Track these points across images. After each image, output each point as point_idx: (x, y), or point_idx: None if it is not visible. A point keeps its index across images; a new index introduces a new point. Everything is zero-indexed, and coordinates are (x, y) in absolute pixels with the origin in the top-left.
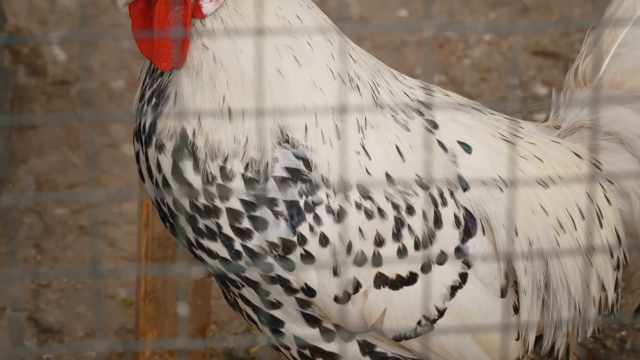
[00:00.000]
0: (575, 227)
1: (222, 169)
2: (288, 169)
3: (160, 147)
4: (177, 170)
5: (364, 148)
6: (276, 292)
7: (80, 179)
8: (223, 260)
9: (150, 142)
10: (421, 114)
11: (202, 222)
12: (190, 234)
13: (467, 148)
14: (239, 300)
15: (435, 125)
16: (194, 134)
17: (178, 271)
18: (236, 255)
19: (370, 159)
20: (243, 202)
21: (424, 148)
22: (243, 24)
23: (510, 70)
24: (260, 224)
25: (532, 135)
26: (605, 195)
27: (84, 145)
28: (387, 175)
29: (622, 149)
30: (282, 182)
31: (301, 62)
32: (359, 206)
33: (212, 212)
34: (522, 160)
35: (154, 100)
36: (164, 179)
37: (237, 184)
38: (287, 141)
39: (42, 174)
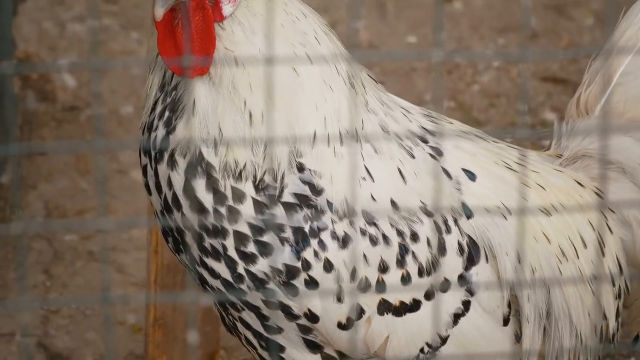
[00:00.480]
0: (578, 256)
1: (234, 190)
2: (296, 195)
3: (172, 164)
4: (189, 188)
5: (369, 174)
6: (277, 318)
7: (89, 205)
8: (225, 281)
9: (162, 158)
10: (425, 141)
11: (208, 241)
12: (195, 251)
13: (471, 175)
14: (239, 324)
15: (439, 153)
16: (209, 151)
17: (187, 299)
18: (238, 278)
19: (376, 185)
20: (251, 226)
21: (428, 175)
22: (257, 23)
23: (519, 96)
24: (265, 249)
25: (535, 164)
26: (607, 224)
27: (93, 171)
28: (392, 202)
29: (624, 177)
30: (289, 207)
31: (314, 60)
32: (363, 232)
33: (219, 232)
34: (525, 188)
35: (167, 114)
36: (174, 195)
37: (247, 207)
38: (296, 166)
39: (52, 199)
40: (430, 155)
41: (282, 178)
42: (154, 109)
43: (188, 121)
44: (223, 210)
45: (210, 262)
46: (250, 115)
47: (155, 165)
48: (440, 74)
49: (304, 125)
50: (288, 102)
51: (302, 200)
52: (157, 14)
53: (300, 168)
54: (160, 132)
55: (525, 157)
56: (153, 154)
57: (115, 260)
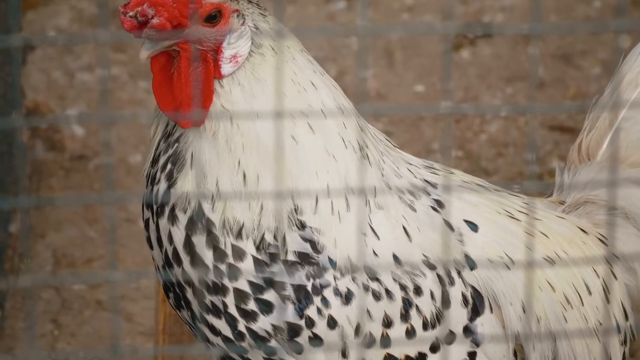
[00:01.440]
0: (582, 303)
1: (234, 248)
2: (297, 253)
3: (173, 219)
4: (189, 244)
5: (372, 229)
6: None
7: (98, 254)
8: (226, 338)
9: (163, 213)
10: (427, 193)
11: (208, 298)
12: (195, 307)
13: (473, 227)
14: None
15: (441, 205)
16: (210, 207)
17: (195, 352)
18: (239, 336)
19: (378, 240)
20: (251, 283)
21: (430, 228)
22: (260, 88)
23: (527, 145)
24: (266, 307)
25: (537, 211)
26: (612, 270)
27: (102, 220)
28: (395, 257)
29: (628, 223)
30: (291, 265)
31: (315, 130)
32: (366, 288)
33: (219, 289)
34: (528, 236)
35: (168, 166)
36: (175, 250)
37: (247, 265)
38: (296, 224)
39: (60, 248)
40: (432, 207)
41: (284, 238)
42: (157, 160)
43: (187, 175)
44: (223, 267)
45: (210, 319)
46: (244, 175)
47: (157, 219)
48: (448, 124)
49: (303, 187)
50: (286, 167)
51: (303, 258)
52: (141, 55)
53: (301, 225)
54: (162, 185)
55: (527, 205)
56: (155, 207)
57: (123, 309)
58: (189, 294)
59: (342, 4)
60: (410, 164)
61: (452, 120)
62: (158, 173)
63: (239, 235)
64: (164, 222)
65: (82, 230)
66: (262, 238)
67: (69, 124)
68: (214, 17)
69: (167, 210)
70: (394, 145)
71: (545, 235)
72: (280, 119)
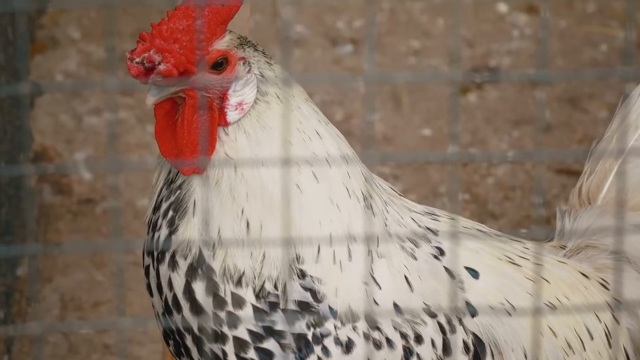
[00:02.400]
0: (584, 348)
1: (234, 296)
2: (297, 302)
3: (173, 265)
4: (189, 291)
5: (373, 279)
6: None
7: (105, 297)
8: None
9: (164, 259)
10: (428, 240)
11: (208, 346)
12: (195, 355)
13: (474, 273)
14: None
15: (441, 252)
16: (210, 254)
17: None
18: None
19: (380, 289)
20: (250, 332)
21: (431, 276)
22: (265, 136)
23: (534, 188)
24: (266, 357)
25: (538, 256)
26: (613, 315)
27: (109, 264)
28: (395, 305)
29: (630, 267)
30: (291, 315)
31: (320, 179)
32: (367, 337)
33: (219, 337)
34: (529, 282)
35: (170, 213)
36: (175, 297)
37: (247, 313)
38: (297, 273)
39: (67, 292)
40: (434, 255)
41: (284, 287)
42: (159, 207)
43: (189, 222)
44: (223, 315)
45: None
46: (248, 224)
47: (157, 265)
48: (455, 168)
49: (305, 236)
50: (289, 216)
51: (304, 307)
52: (147, 102)
53: (302, 274)
54: (164, 232)
55: (528, 249)
56: (155, 254)
57: (131, 353)
58: (189, 341)
59: (349, 48)
60: (413, 212)
61: (459, 163)
62: (160, 220)
63: (239, 283)
64: (164, 268)
65: (89, 274)
66: (262, 287)
67: (77, 171)
68: (220, 65)
69: (167, 256)
70: (399, 194)
71: (547, 281)
72: (285, 167)
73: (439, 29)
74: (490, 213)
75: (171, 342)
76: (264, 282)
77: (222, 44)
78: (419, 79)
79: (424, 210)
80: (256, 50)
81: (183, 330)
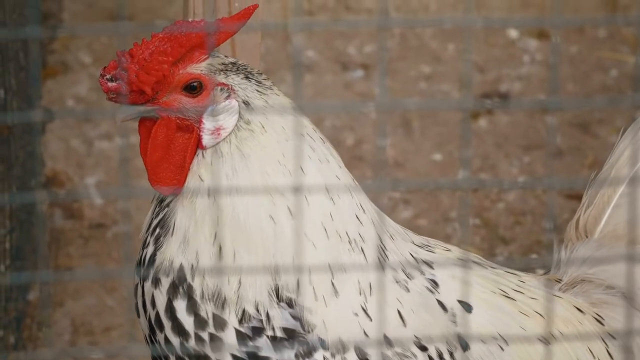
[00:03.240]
0: None
1: (215, 317)
2: (284, 329)
3: (156, 282)
4: (170, 309)
5: (365, 310)
6: None
7: (116, 322)
8: None
9: (148, 276)
10: (422, 272)
11: None
12: None
13: (467, 307)
14: None
15: (435, 284)
16: (191, 273)
17: None
18: None
19: (370, 321)
20: (234, 357)
21: (423, 309)
22: (242, 164)
23: (544, 213)
24: None
25: (533, 290)
26: (608, 351)
27: (120, 289)
28: (385, 337)
29: (625, 303)
30: (277, 341)
31: (294, 214)
32: None
33: (202, 359)
34: (523, 316)
35: (157, 231)
36: (157, 315)
37: (230, 337)
38: (284, 300)
39: (78, 317)
40: (427, 288)
41: (267, 313)
42: (150, 225)
43: (170, 240)
44: (205, 336)
45: None
46: (220, 249)
47: (143, 283)
48: (467, 195)
49: (289, 265)
50: (263, 246)
51: (291, 335)
52: (116, 118)
53: (290, 303)
54: (150, 249)
55: (523, 282)
56: (142, 270)
57: None
58: None
59: (360, 73)
60: (409, 243)
61: (470, 188)
62: (148, 237)
63: (219, 304)
64: (148, 285)
65: (100, 299)
66: (244, 311)
67: (88, 196)
68: (194, 88)
69: (151, 273)
70: (408, 234)
71: (541, 315)
72: (257, 197)
73: (449, 54)
74: (501, 238)
75: None
76: (244, 307)
77: (196, 67)
78: (430, 106)
79: (421, 241)
80: (248, 78)
81: (167, 351)
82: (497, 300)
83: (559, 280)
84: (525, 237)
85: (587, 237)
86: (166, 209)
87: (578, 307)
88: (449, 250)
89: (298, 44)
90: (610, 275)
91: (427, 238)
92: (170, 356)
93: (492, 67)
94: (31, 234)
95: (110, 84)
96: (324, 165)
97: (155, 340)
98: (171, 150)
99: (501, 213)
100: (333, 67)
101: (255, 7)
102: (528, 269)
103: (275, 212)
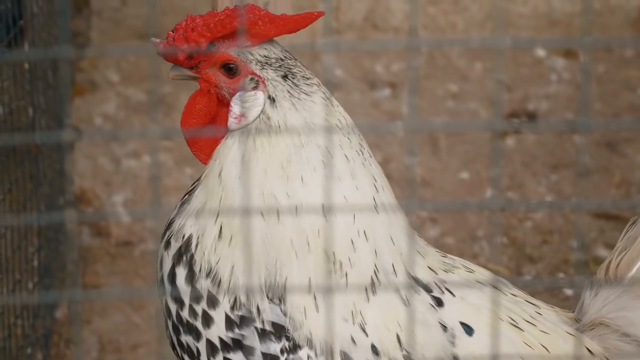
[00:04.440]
0: None
1: (210, 295)
2: (273, 324)
3: (167, 245)
4: (172, 274)
5: (354, 318)
6: None
7: (143, 339)
8: None
9: (163, 238)
10: (430, 290)
11: (184, 337)
12: (176, 343)
13: (468, 329)
14: None
15: (440, 303)
16: (195, 245)
17: None
18: None
19: (363, 330)
20: (221, 340)
21: (420, 325)
22: (250, 156)
23: (572, 232)
24: None
25: (547, 324)
26: None
27: (147, 306)
28: (373, 347)
29: (639, 352)
30: (265, 334)
31: (281, 218)
32: None
33: (193, 331)
34: (526, 347)
35: (185, 197)
36: (162, 278)
37: (220, 319)
38: (276, 297)
39: (106, 334)
40: (430, 305)
41: (258, 306)
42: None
43: (186, 208)
44: (198, 310)
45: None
46: (220, 230)
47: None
48: (494, 211)
49: (282, 272)
50: (259, 240)
51: (279, 330)
52: (169, 73)
53: (283, 300)
54: (175, 212)
55: (540, 315)
56: (163, 231)
57: None
58: (170, 326)
59: (387, 91)
60: (423, 259)
61: (498, 209)
62: (179, 202)
63: (215, 283)
64: (161, 246)
65: (127, 316)
66: (236, 298)
67: (116, 216)
68: (230, 70)
69: (166, 236)
70: (428, 250)
71: (546, 349)
72: (249, 195)
73: (476, 72)
74: (529, 257)
75: (168, 333)
76: (237, 294)
77: (236, 51)
78: (458, 127)
79: (442, 260)
80: (286, 77)
81: (166, 315)
82: (502, 327)
83: (578, 320)
84: (552, 256)
85: (615, 281)
86: (199, 181)
87: (590, 348)
88: (472, 271)
89: (326, 63)
90: (628, 322)
91: (454, 257)
92: (168, 319)
93: (520, 85)
94: (59, 251)
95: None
96: (331, 182)
97: (161, 301)
98: (197, 114)
99: (528, 232)
100: (361, 85)
101: (321, 14)
102: (555, 288)
103: (266, 211)
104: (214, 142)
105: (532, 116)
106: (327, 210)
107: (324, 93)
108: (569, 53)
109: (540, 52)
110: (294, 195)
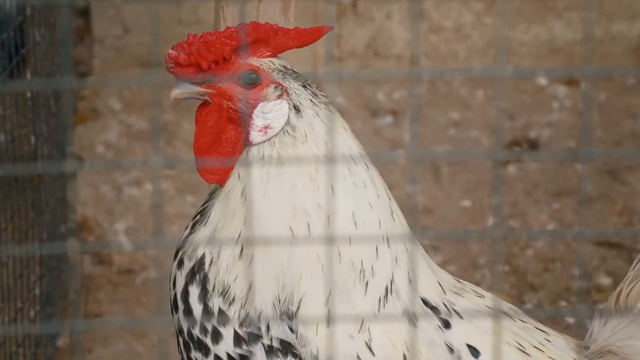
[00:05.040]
0: None
1: (220, 312)
2: (280, 341)
3: (180, 264)
4: (185, 292)
5: (360, 335)
6: None
7: None
8: None
9: (176, 257)
10: (438, 312)
11: (193, 354)
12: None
13: (474, 352)
14: None
15: (447, 325)
16: (209, 264)
17: None
18: None
19: (368, 347)
20: (228, 356)
21: (425, 345)
22: (277, 170)
23: (574, 260)
24: None
25: (555, 350)
26: None
27: (149, 335)
28: None
29: None
30: (272, 351)
31: (312, 231)
32: None
33: (202, 348)
34: None
35: (198, 217)
36: (175, 296)
37: (228, 335)
38: (285, 312)
39: None
40: (438, 326)
41: (268, 323)
42: (198, 210)
43: (203, 228)
44: (209, 327)
45: None
46: (241, 250)
47: (173, 262)
48: (497, 241)
49: (297, 279)
50: (278, 256)
51: (286, 347)
52: (171, 94)
53: (290, 316)
54: (187, 232)
55: (548, 342)
56: (176, 250)
57: None
58: (181, 343)
59: (389, 119)
60: (432, 282)
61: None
62: (190, 221)
63: (227, 301)
64: (174, 265)
65: (129, 345)
66: (247, 315)
67: (119, 246)
68: (250, 80)
69: (179, 255)
70: (439, 274)
71: None
72: (282, 207)
73: (478, 100)
74: (530, 285)
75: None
76: (248, 312)
77: (257, 61)
78: (460, 156)
79: (453, 283)
80: (305, 86)
81: (178, 332)
82: (509, 351)
83: (587, 348)
84: (554, 284)
85: (626, 310)
86: (211, 200)
87: None
88: (481, 296)
89: (328, 91)
90: (636, 351)
91: (465, 282)
92: (180, 337)
93: (522, 113)
94: (61, 280)
95: (170, 51)
96: (359, 190)
97: (174, 320)
98: (221, 140)
99: (530, 260)
100: (362, 113)
101: (330, 28)
102: (557, 316)
103: (295, 225)
104: (222, 163)
105: (533, 144)
106: (357, 217)
107: (328, 100)
108: (570, 81)
109: (542, 80)
110: (326, 205)
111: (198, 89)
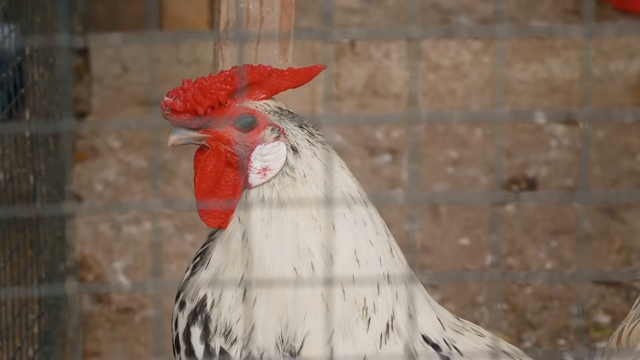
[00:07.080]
0: None
1: (222, 352)
2: None
3: (182, 305)
4: (187, 333)
5: None
6: None
7: None
8: None
9: (178, 298)
10: (438, 348)
11: None
12: None
13: None
14: None
15: None
16: (211, 305)
17: None
18: None
19: None
20: None
21: None
22: (278, 212)
23: (572, 298)
24: None
25: None
26: None
27: None
28: None
29: None
30: None
31: (316, 270)
32: None
33: None
34: None
35: (197, 259)
36: (177, 337)
37: None
38: (287, 350)
39: None
40: None
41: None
42: (197, 252)
43: (204, 270)
44: None
45: None
46: (244, 292)
47: (175, 304)
48: (499, 287)
49: (305, 327)
50: (282, 297)
51: None
52: (169, 140)
53: (293, 353)
54: (187, 274)
55: None
56: (177, 292)
57: None
58: None
59: (387, 158)
60: (432, 319)
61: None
62: (190, 263)
63: (228, 340)
64: (176, 307)
65: None
66: (249, 354)
67: (119, 288)
68: (246, 124)
69: (181, 296)
70: (440, 312)
71: None
72: (285, 247)
73: (476, 139)
74: (529, 323)
75: None
76: (251, 350)
77: (253, 104)
78: (459, 198)
79: (453, 321)
80: (301, 127)
81: None
82: None
83: None
84: (553, 322)
85: (627, 349)
86: (211, 242)
87: None
88: (481, 335)
89: (326, 130)
90: None
91: (465, 320)
92: None
93: (519, 152)
94: (60, 318)
95: (166, 98)
96: (359, 227)
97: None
98: (221, 185)
99: (528, 298)
100: (361, 152)
101: (323, 67)
102: (556, 357)
103: (299, 266)
104: (223, 206)
105: (532, 182)
106: (359, 255)
107: (324, 139)
108: (568, 120)
109: (540, 119)
110: (328, 244)
111: (195, 134)
